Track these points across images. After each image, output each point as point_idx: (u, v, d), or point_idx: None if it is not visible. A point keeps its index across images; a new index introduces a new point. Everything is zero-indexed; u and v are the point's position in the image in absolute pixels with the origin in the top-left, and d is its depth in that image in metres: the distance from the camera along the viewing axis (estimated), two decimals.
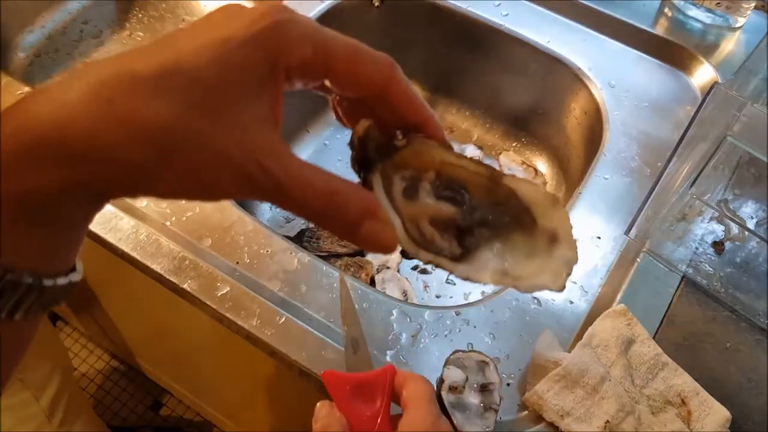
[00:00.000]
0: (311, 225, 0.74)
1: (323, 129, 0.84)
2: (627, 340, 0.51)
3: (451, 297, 0.70)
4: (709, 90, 0.59)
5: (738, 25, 0.72)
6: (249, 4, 0.24)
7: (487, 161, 0.79)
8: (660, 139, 0.65)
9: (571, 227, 0.27)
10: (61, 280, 0.22)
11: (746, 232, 0.59)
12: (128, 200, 0.58)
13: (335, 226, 0.24)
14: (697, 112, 0.60)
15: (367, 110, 0.27)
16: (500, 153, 0.80)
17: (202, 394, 1.16)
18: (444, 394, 0.48)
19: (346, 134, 0.27)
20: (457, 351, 0.51)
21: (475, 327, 0.53)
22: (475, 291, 0.67)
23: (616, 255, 0.57)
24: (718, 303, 0.54)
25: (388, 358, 0.51)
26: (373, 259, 0.71)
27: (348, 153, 0.27)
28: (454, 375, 0.49)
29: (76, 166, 0.20)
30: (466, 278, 0.27)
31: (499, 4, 0.75)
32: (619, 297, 0.54)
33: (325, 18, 0.75)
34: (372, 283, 0.69)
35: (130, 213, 0.57)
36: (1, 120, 0.20)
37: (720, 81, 0.66)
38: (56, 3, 0.81)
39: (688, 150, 0.58)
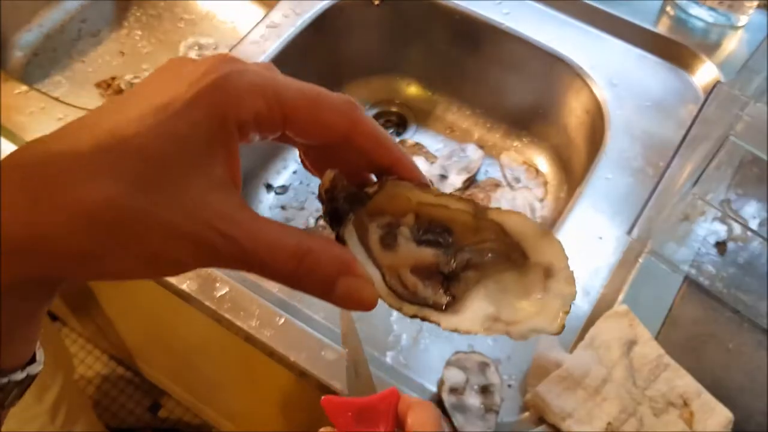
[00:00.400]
0: (311, 226, 0.74)
1: None
2: (629, 341, 0.50)
3: None
4: (712, 89, 0.59)
5: (740, 23, 0.72)
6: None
7: (488, 161, 0.79)
8: (662, 139, 0.64)
9: (567, 258, 0.25)
10: (17, 375, 0.21)
11: (749, 233, 0.58)
12: None
13: (309, 287, 0.22)
14: (699, 111, 0.59)
15: (335, 157, 0.25)
16: (501, 152, 0.80)
17: (201, 395, 1.15)
18: (445, 395, 0.48)
19: None
20: (457, 352, 0.51)
21: None
22: None
23: (618, 255, 0.56)
24: (721, 304, 0.54)
25: (388, 359, 0.50)
26: None
27: None
28: (455, 376, 0.49)
29: (17, 259, 0.18)
30: (453, 330, 0.25)
31: (499, 3, 0.74)
32: (621, 298, 0.54)
33: (325, 18, 0.75)
34: None
35: None
36: None
37: (722, 80, 0.66)
38: (54, 2, 0.81)
39: (691, 149, 0.58)
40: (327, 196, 0.24)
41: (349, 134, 0.24)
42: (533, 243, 0.25)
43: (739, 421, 0.48)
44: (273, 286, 0.53)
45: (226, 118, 0.21)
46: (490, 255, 0.26)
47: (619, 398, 0.47)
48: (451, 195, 0.26)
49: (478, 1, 0.74)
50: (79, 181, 0.19)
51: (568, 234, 0.58)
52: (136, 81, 0.79)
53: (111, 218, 0.19)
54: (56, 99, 0.66)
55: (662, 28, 0.72)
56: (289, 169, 0.79)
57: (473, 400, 0.48)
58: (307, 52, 0.75)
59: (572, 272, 0.25)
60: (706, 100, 0.59)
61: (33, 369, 0.22)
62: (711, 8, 0.71)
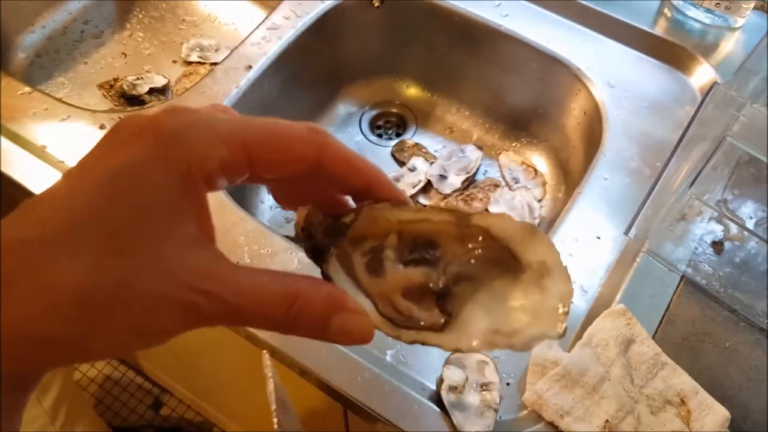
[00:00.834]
0: None
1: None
2: (626, 340, 0.51)
3: None
4: (709, 90, 0.59)
5: (737, 25, 0.72)
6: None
7: (487, 161, 0.80)
8: (659, 139, 0.65)
9: (558, 254, 0.24)
10: None
11: (745, 232, 0.59)
12: None
13: (302, 331, 0.22)
14: (696, 112, 0.60)
15: (307, 187, 0.25)
16: (500, 153, 0.80)
17: (202, 393, 1.16)
18: (444, 393, 0.48)
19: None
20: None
21: None
22: None
23: (615, 255, 0.57)
24: (718, 303, 0.55)
25: (388, 358, 0.51)
26: None
27: None
28: (454, 375, 0.49)
29: None
30: (456, 350, 0.24)
31: (498, 5, 0.75)
32: (618, 297, 0.54)
33: (326, 20, 0.75)
34: None
35: None
36: None
37: (719, 81, 0.66)
38: (56, 3, 0.81)
39: (688, 150, 0.58)
40: (304, 234, 0.24)
41: (318, 162, 0.23)
42: (522, 243, 0.24)
43: (736, 420, 0.48)
44: None
45: (189, 173, 0.20)
46: (480, 264, 0.25)
47: (617, 396, 0.48)
48: (431, 207, 0.25)
49: (477, 2, 0.75)
50: (45, 266, 0.18)
51: (566, 234, 0.59)
52: (138, 82, 0.79)
53: (84, 297, 0.18)
54: (59, 100, 0.66)
55: (659, 30, 0.72)
56: None
57: (472, 398, 0.49)
58: (307, 54, 0.75)
59: (566, 268, 0.24)
60: (703, 101, 0.59)
61: None
62: (708, 10, 0.72)
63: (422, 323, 0.24)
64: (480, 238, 0.25)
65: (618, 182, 0.62)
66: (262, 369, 0.49)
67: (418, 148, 0.80)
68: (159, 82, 0.79)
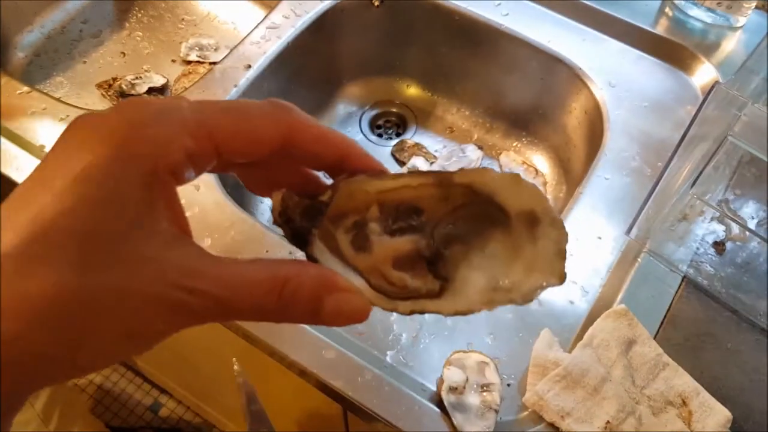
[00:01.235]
0: None
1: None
2: (628, 341, 0.51)
3: None
4: (710, 90, 0.59)
5: (739, 24, 0.72)
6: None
7: (487, 161, 0.79)
8: (660, 139, 0.64)
9: (547, 200, 0.23)
10: None
11: (747, 232, 0.59)
12: None
13: (295, 317, 0.21)
14: (697, 111, 0.59)
15: (279, 169, 0.24)
16: (501, 153, 0.80)
17: (201, 394, 1.16)
18: (444, 394, 0.48)
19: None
20: (457, 351, 0.51)
21: (475, 327, 0.53)
22: None
23: (616, 255, 0.57)
24: (719, 303, 0.54)
25: (388, 359, 0.51)
26: None
27: None
28: (455, 375, 0.49)
29: None
30: (455, 314, 0.23)
31: (499, 4, 0.75)
32: (619, 297, 0.54)
33: (326, 19, 0.75)
34: None
35: None
36: None
37: (721, 81, 0.66)
38: (55, 2, 0.81)
39: (689, 150, 0.58)
40: (282, 219, 0.23)
41: (288, 139, 0.22)
42: (507, 194, 0.23)
43: (737, 420, 0.48)
44: None
45: (155, 168, 0.19)
46: (468, 223, 0.24)
47: (618, 397, 0.47)
48: (410, 173, 0.24)
49: (477, 1, 0.74)
50: (20, 281, 0.17)
51: None
52: (137, 82, 0.79)
53: (64, 309, 0.17)
54: (58, 100, 0.66)
55: (661, 29, 0.72)
56: None
57: (473, 399, 0.48)
58: (307, 53, 0.75)
59: (557, 214, 0.23)
60: (704, 100, 0.59)
61: None
62: (709, 9, 0.71)
63: (418, 292, 0.23)
64: (464, 197, 0.24)
65: (619, 182, 0.62)
66: (234, 376, 0.48)
67: (418, 148, 0.80)
68: (158, 81, 0.79)
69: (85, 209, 0.18)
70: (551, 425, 0.47)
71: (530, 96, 0.78)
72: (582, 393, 0.48)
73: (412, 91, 0.85)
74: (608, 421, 0.47)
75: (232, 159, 0.21)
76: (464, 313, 0.23)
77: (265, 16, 0.73)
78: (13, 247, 0.17)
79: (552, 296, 0.54)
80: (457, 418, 0.47)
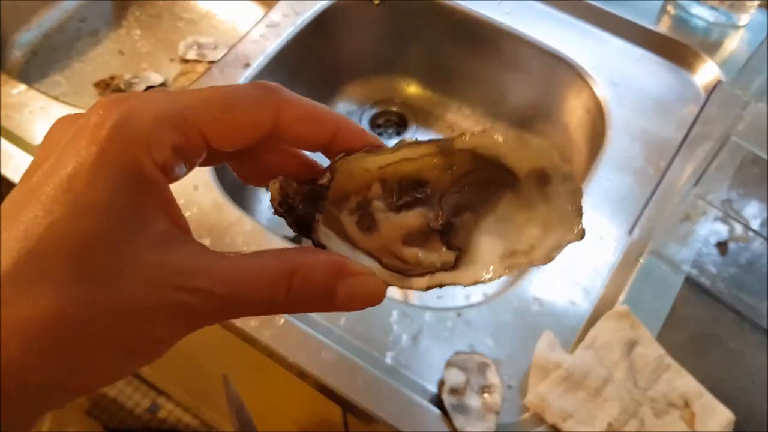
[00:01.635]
0: None
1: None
2: (630, 342, 0.50)
3: (452, 298, 0.69)
4: (713, 88, 0.59)
5: (742, 23, 0.71)
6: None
7: None
8: (663, 138, 0.64)
9: (555, 155, 0.22)
10: None
11: (750, 233, 0.58)
12: None
13: (308, 306, 0.20)
14: (700, 110, 0.59)
15: (273, 155, 0.23)
16: None
17: (200, 396, 1.15)
18: (445, 396, 0.48)
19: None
20: (458, 352, 0.51)
21: (476, 328, 0.52)
22: (476, 292, 0.66)
23: (618, 255, 0.56)
24: (722, 304, 0.54)
25: (388, 360, 0.50)
26: None
27: None
28: (455, 377, 0.49)
29: None
30: (475, 283, 0.22)
31: (500, 2, 0.74)
32: (621, 298, 0.53)
33: (325, 17, 0.74)
34: None
35: None
36: None
37: (723, 79, 0.66)
38: (53, 1, 0.81)
39: (692, 149, 0.58)
40: (283, 209, 0.22)
41: (278, 122, 0.21)
42: (513, 154, 0.22)
43: (740, 422, 0.48)
44: None
45: (143, 166, 0.18)
46: (476, 189, 0.23)
47: (620, 399, 0.47)
48: (408, 144, 0.23)
49: (478, 0, 0.74)
50: (13, 305, 0.16)
51: None
52: (135, 80, 0.78)
53: (60, 331, 0.16)
54: (55, 98, 0.66)
55: (663, 28, 0.71)
56: None
57: (474, 400, 0.48)
58: (306, 52, 0.75)
59: (568, 168, 0.22)
60: (707, 99, 0.59)
61: None
62: (712, 7, 0.71)
63: (433, 266, 0.22)
64: (468, 163, 0.23)
65: (621, 182, 0.61)
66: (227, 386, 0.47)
67: None
68: (156, 80, 0.78)
69: (75, 219, 0.17)
70: (553, 427, 0.47)
71: (531, 95, 0.77)
72: (584, 395, 0.47)
73: (413, 89, 0.85)
74: (610, 423, 0.46)
75: (222, 148, 0.21)
76: (484, 281, 0.22)
77: (264, 15, 0.73)
78: (6, 269, 0.16)
79: (553, 297, 0.54)
80: (458, 420, 0.47)
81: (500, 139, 0.22)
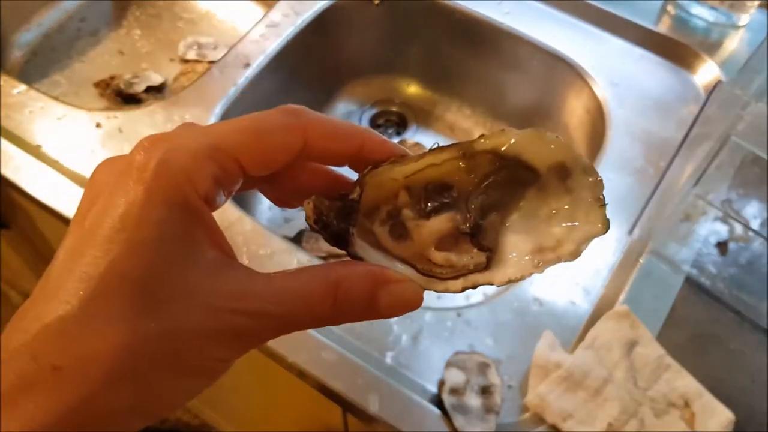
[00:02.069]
0: None
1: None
2: (630, 342, 0.50)
3: (451, 298, 0.69)
4: (713, 88, 0.59)
5: (742, 23, 0.71)
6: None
7: None
8: (663, 138, 0.64)
9: (573, 149, 0.23)
10: None
11: (750, 233, 0.58)
12: None
13: (353, 316, 0.21)
14: (700, 110, 0.59)
15: (303, 177, 0.24)
16: None
17: (200, 396, 1.15)
18: (445, 396, 0.48)
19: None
20: (458, 353, 0.51)
21: (476, 328, 0.52)
22: (476, 292, 0.66)
23: (618, 255, 0.56)
24: (722, 304, 0.54)
25: (388, 360, 0.50)
26: None
27: None
28: (455, 377, 0.49)
29: None
30: (508, 282, 0.23)
31: (500, 2, 0.74)
32: (621, 298, 0.53)
33: (325, 17, 0.74)
34: None
35: None
36: None
37: (723, 79, 0.66)
38: (53, 1, 0.81)
39: (692, 149, 0.58)
40: (319, 226, 0.23)
41: (306, 143, 0.22)
42: (532, 151, 0.23)
43: (740, 422, 0.48)
44: None
45: (188, 199, 0.19)
46: (499, 188, 0.24)
47: (620, 399, 0.47)
48: (431, 151, 0.23)
49: (478, 0, 0.74)
50: (85, 341, 0.18)
51: None
52: (135, 80, 0.78)
53: (131, 363, 0.18)
54: (55, 98, 0.66)
55: (663, 28, 0.71)
56: None
57: (474, 400, 0.48)
58: (306, 52, 0.74)
59: (587, 161, 0.23)
60: (707, 99, 0.59)
61: None
62: (712, 7, 0.71)
63: (467, 268, 0.23)
64: (490, 163, 0.24)
65: (621, 182, 0.61)
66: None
67: (418, 148, 0.79)
68: (156, 80, 0.78)
69: (132, 255, 0.18)
70: (553, 427, 0.47)
71: (531, 95, 0.77)
72: (584, 395, 0.47)
73: (413, 89, 0.85)
74: (610, 423, 0.46)
75: (257, 173, 0.22)
76: (516, 280, 0.23)
77: (265, 15, 0.73)
78: (72, 309, 0.18)
79: (553, 297, 0.54)
80: (458, 420, 0.47)
81: (519, 137, 0.23)
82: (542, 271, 0.23)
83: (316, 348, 0.50)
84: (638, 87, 0.68)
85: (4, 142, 0.61)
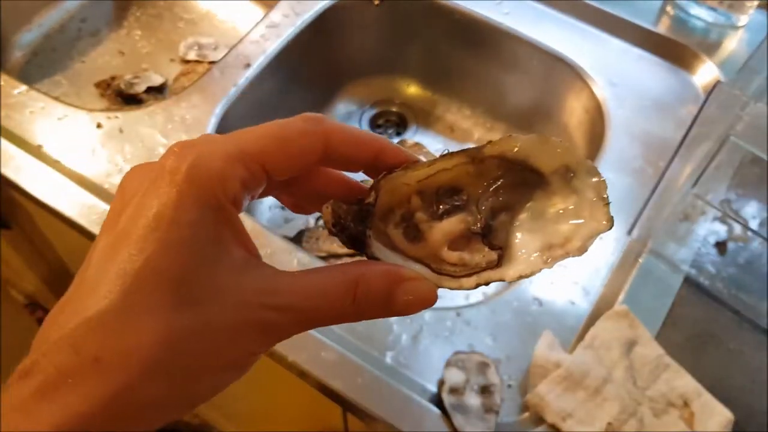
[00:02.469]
0: (310, 225, 0.73)
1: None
2: (629, 342, 0.50)
3: (451, 298, 0.69)
4: (712, 89, 0.59)
5: (741, 23, 0.71)
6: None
7: None
8: (662, 139, 0.64)
9: (577, 152, 0.24)
10: None
11: (749, 233, 0.58)
12: None
13: (371, 313, 0.22)
14: (699, 111, 0.59)
15: (319, 183, 0.25)
16: None
17: None
18: (445, 395, 0.48)
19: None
20: (457, 352, 0.51)
21: (475, 328, 0.52)
22: (476, 292, 0.66)
23: (618, 255, 0.56)
24: (721, 304, 0.54)
25: (388, 359, 0.50)
26: None
27: None
28: (455, 376, 0.49)
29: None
30: (520, 278, 0.24)
31: (499, 3, 0.74)
32: (621, 298, 0.54)
33: (325, 18, 0.74)
34: None
35: None
36: None
37: (723, 80, 0.66)
38: (54, 1, 0.81)
39: (691, 149, 0.58)
40: (336, 229, 0.24)
41: (326, 150, 0.23)
42: (538, 155, 0.24)
43: (739, 422, 0.48)
44: None
45: (218, 201, 0.20)
46: (508, 190, 0.25)
47: (620, 398, 0.47)
48: (442, 156, 0.25)
49: (478, 0, 0.74)
50: (124, 336, 0.18)
51: None
52: (135, 81, 0.78)
53: (169, 354, 0.19)
54: (56, 99, 0.66)
55: (662, 28, 0.71)
56: None
57: (473, 400, 0.48)
58: (306, 52, 0.75)
59: (590, 162, 0.24)
60: (706, 99, 0.59)
61: None
62: (711, 8, 0.71)
63: (479, 266, 0.25)
64: (498, 167, 0.25)
65: (620, 182, 0.61)
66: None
67: (418, 148, 0.79)
68: (156, 80, 0.79)
69: (166, 253, 0.19)
70: (552, 427, 0.47)
71: (531, 95, 0.77)
72: (583, 394, 0.47)
73: (413, 90, 0.85)
74: (610, 423, 0.46)
75: (280, 177, 0.23)
76: (527, 276, 0.24)
77: (265, 15, 0.73)
78: (111, 304, 0.19)
79: (553, 297, 0.54)
80: (458, 419, 0.47)
81: (525, 142, 0.24)
82: (552, 267, 0.24)
83: (316, 347, 0.50)
84: (637, 87, 0.68)
85: (5, 143, 0.61)
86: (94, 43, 0.83)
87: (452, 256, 0.25)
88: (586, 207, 0.24)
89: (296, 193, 0.26)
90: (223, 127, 0.64)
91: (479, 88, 0.81)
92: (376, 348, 0.51)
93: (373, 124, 0.83)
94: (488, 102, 0.82)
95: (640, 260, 0.56)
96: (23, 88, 0.65)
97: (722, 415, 0.48)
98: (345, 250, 0.71)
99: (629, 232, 0.57)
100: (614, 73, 0.69)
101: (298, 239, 0.72)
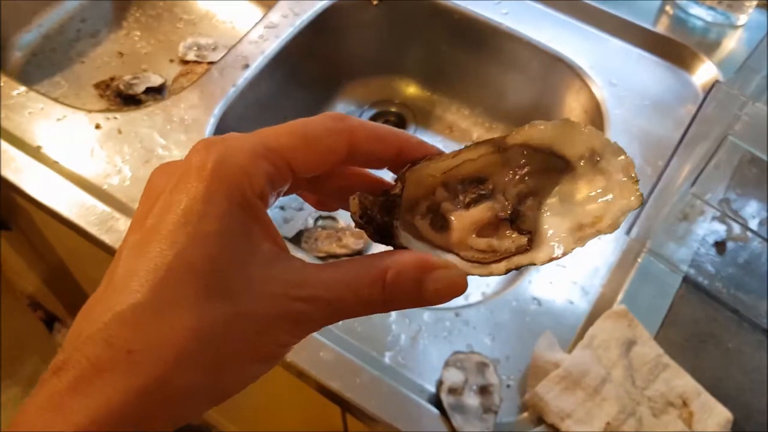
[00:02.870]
0: (310, 226, 0.74)
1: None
2: (628, 341, 0.50)
3: None
4: (711, 88, 0.59)
5: (740, 23, 0.71)
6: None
7: None
8: (661, 138, 0.64)
9: (602, 134, 0.24)
10: None
11: (748, 232, 0.58)
12: (124, 200, 0.58)
13: (401, 303, 0.22)
14: (698, 110, 0.59)
15: (342, 180, 0.25)
16: None
17: None
18: (443, 395, 0.48)
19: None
20: (456, 352, 0.51)
21: (474, 328, 0.52)
22: (475, 292, 0.66)
23: (617, 255, 0.56)
24: (720, 304, 0.54)
25: (387, 359, 0.50)
26: None
27: None
28: (454, 377, 0.49)
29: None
30: (550, 260, 0.24)
31: (498, 3, 0.74)
32: (620, 297, 0.54)
33: (324, 18, 0.75)
34: None
35: (127, 213, 0.57)
36: None
37: (721, 79, 0.66)
38: (53, 2, 0.81)
39: (690, 149, 0.58)
40: (364, 220, 0.24)
41: (351, 147, 0.23)
42: (563, 140, 0.24)
43: (738, 421, 0.48)
44: None
45: (246, 196, 0.21)
46: (534, 177, 0.25)
47: (618, 398, 0.47)
48: (466, 147, 0.25)
49: (477, 0, 0.74)
50: (159, 327, 0.19)
51: None
52: (135, 81, 0.78)
53: (202, 344, 0.19)
54: (55, 100, 0.66)
55: (661, 28, 0.71)
56: None
57: (472, 400, 0.48)
58: (305, 53, 0.75)
59: (615, 143, 0.24)
60: (705, 99, 0.59)
61: None
62: (710, 7, 0.71)
63: (509, 251, 0.25)
64: (523, 155, 0.25)
65: None
66: None
67: None
68: (155, 81, 0.79)
69: (196, 247, 0.19)
70: (551, 426, 0.47)
71: (530, 95, 0.77)
72: (582, 394, 0.47)
73: (412, 90, 0.85)
74: (608, 422, 0.46)
75: (305, 174, 0.23)
76: (558, 257, 0.24)
77: (264, 16, 0.73)
78: (143, 297, 0.19)
79: (552, 296, 0.54)
80: (457, 420, 0.47)
81: (550, 129, 0.24)
82: (584, 245, 0.24)
83: (315, 348, 0.50)
84: (636, 87, 0.68)
85: (4, 144, 0.61)
86: (94, 43, 0.83)
87: (481, 242, 0.25)
88: (615, 186, 0.24)
89: (320, 190, 0.26)
90: (221, 128, 0.64)
91: (478, 88, 0.81)
92: (375, 348, 0.51)
93: None
94: (487, 102, 0.82)
95: (639, 260, 0.56)
96: (22, 89, 0.65)
97: (721, 414, 0.48)
98: (344, 251, 0.71)
99: (628, 231, 0.57)
100: (613, 72, 0.69)
101: (296, 240, 0.72)
